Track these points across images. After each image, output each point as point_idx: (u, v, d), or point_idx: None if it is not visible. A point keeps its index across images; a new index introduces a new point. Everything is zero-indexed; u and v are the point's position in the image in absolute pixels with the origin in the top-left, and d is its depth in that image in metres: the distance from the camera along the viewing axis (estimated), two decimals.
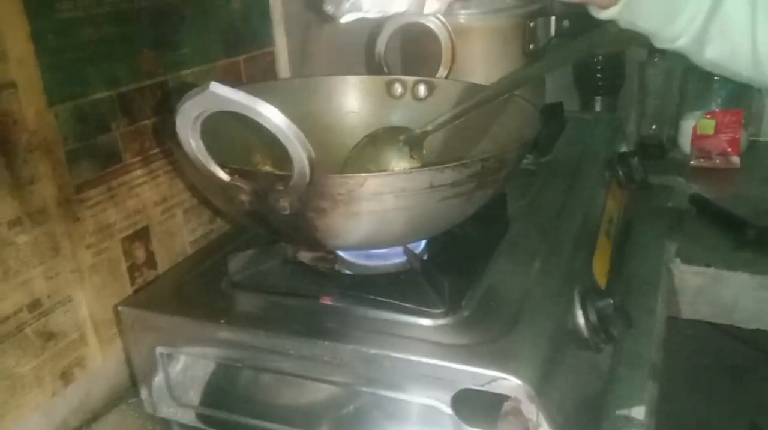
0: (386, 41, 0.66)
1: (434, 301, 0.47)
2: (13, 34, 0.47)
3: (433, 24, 0.64)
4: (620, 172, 0.77)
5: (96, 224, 0.55)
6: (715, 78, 1.06)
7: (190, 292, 0.52)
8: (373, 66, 0.68)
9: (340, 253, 0.54)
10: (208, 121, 0.39)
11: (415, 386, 0.43)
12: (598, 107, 1.15)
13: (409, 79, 0.65)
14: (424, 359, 0.43)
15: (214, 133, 0.41)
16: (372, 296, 0.48)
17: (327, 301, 0.49)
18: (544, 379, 0.41)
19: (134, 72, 0.57)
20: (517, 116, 0.57)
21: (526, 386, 0.40)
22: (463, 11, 0.75)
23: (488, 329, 0.45)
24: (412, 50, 0.78)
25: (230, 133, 0.52)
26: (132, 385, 0.58)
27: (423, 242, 0.55)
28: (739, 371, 1.04)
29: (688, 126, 1.07)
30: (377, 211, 0.43)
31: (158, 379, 0.51)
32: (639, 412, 0.54)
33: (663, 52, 1.08)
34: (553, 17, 0.76)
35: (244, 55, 0.70)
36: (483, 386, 0.41)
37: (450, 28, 0.63)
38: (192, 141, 0.39)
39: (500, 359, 0.42)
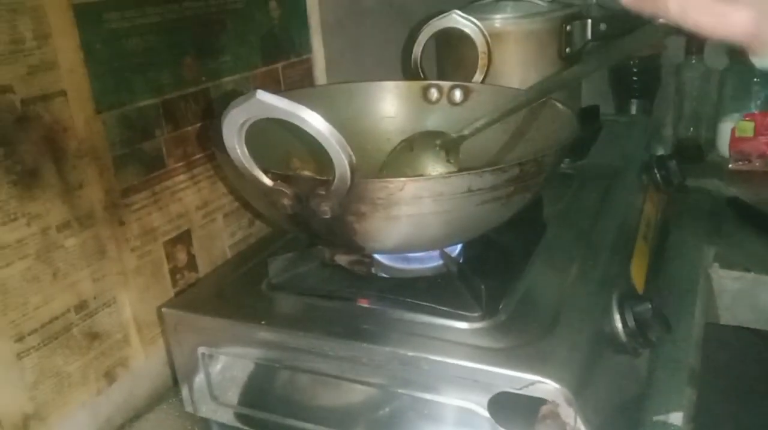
0: (422, 46, 0.67)
1: (471, 304, 0.48)
2: (64, 45, 0.48)
3: (469, 29, 0.64)
4: (657, 176, 0.76)
5: (140, 228, 0.56)
6: (755, 80, 1.04)
7: (231, 294, 0.53)
8: (409, 71, 0.68)
9: (377, 256, 0.54)
10: (249, 127, 0.40)
11: (451, 388, 0.44)
12: (633, 110, 1.14)
13: (445, 84, 0.66)
14: (461, 362, 0.43)
15: (253, 137, 0.42)
16: (409, 299, 0.49)
17: (364, 303, 0.50)
18: (582, 383, 0.41)
19: (177, 80, 0.58)
20: (555, 120, 0.57)
21: (564, 390, 0.40)
22: (498, 15, 0.75)
23: (526, 333, 0.45)
24: (448, 55, 0.79)
25: (269, 138, 0.53)
26: (173, 385, 0.60)
27: (459, 246, 0.55)
28: None
29: (726, 128, 1.05)
30: (415, 214, 0.44)
31: (199, 379, 0.53)
32: (677, 418, 0.54)
33: (700, 54, 1.07)
34: (590, 20, 0.76)
35: (283, 62, 0.71)
36: (520, 389, 0.41)
37: (486, 33, 0.64)
38: (237, 147, 0.40)
39: (538, 363, 0.42)
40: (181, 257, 0.61)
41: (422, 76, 0.68)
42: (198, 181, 0.62)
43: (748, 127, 1.02)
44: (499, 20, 0.75)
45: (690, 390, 0.57)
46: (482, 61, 0.64)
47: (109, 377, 0.55)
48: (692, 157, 1.07)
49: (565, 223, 0.61)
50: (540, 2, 0.79)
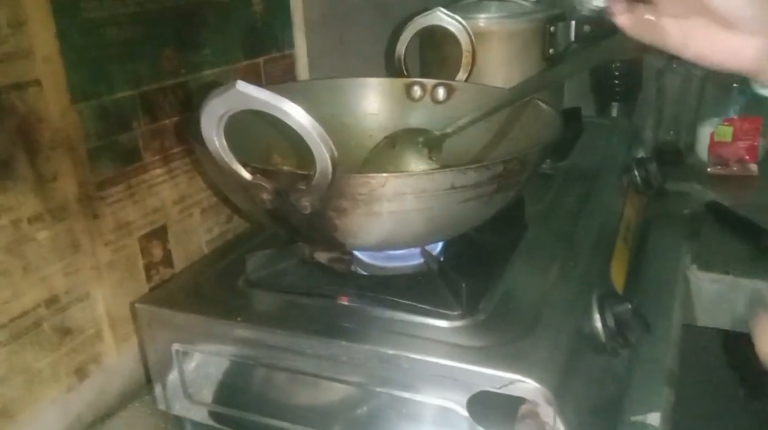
0: (406, 44, 0.66)
1: (451, 303, 0.47)
2: (40, 33, 0.47)
3: (453, 27, 0.64)
4: (638, 178, 0.76)
5: (115, 222, 0.55)
6: (734, 85, 1.05)
7: (207, 290, 0.52)
8: (392, 69, 0.68)
9: (357, 254, 0.54)
10: (229, 120, 0.39)
11: (431, 387, 0.43)
12: (615, 113, 1.15)
13: (429, 82, 0.65)
14: (441, 361, 0.42)
15: (234, 131, 0.41)
16: (389, 297, 0.48)
17: (344, 301, 0.49)
18: (561, 382, 0.41)
19: (156, 72, 0.57)
20: (538, 119, 0.57)
21: (543, 389, 0.40)
22: (483, 15, 0.75)
23: (506, 332, 0.45)
24: (432, 53, 0.78)
25: (250, 133, 0.52)
26: (146, 382, 0.59)
27: (440, 244, 0.54)
28: (755, 381, 1.03)
29: (705, 133, 1.06)
30: (397, 211, 0.43)
31: (173, 376, 0.52)
32: (654, 418, 0.54)
33: (681, 59, 1.08)
34: (573, 22, 0.76)
35: (264, 57, 0.70)
36: (500, 388, 0.41)
37: (470, 32, 0.63)
38: (216, 139, 0.39)
39: (518, 362, 0.41)
40: (157, 252, 0.60)
41: (405, 73, 0.67)
42: (175, 176, 0.61)
43: (726, 132, 1.03)
44: (483, 19, 0.75)
45: (668, 391, 0.57)
46: (466, 59, 0.64)
47: (81, 373, 0.54)
48: (672, 160, 1.08)
49: (546, 223, 0.61)
50: (524, 2, 0.79)
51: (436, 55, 0.77)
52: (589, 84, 1.17)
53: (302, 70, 0.76)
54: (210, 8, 0.62)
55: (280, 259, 0.53)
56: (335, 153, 0.38)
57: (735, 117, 1.04)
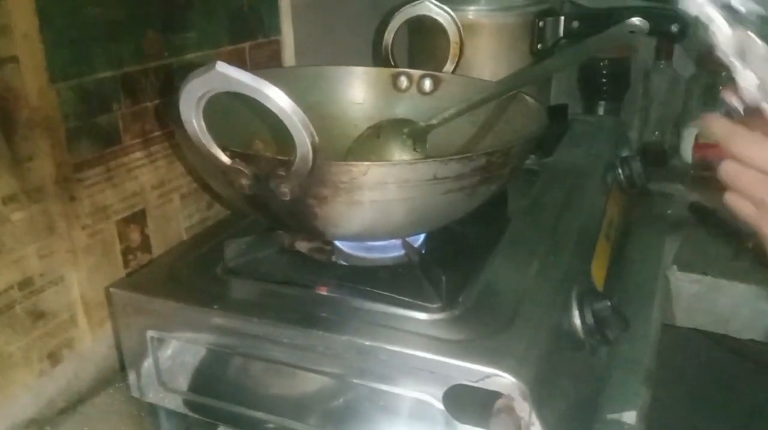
0: (394, 33, 0.66)
1: (431, 295, 0.47)
2: (19, 9, 0.46)
3: (441, 18, 0.63)
4: (621, 176, 0.76)
5: (92, 205, 0.54)
6: (720, 88, 1.06)
7: (185, 276, 0.51)
8: (379, 58, 0.67)
9: (338, 244, 0.53)
10: (211, 104, 0.39)
11: (408, 379, 0.43)
12: (601, 111, 1.15)
13: (416, 73, 0.65)
14: (418, 353, 0.42)
15: (216, 116, 0.40)
16: (368, 288, 0.48)
17: (323, 291, 0.49)
18: (538, 378, 0.41)
19: (139, 53, 0.56)
20: (524, 113, 0.56)
21: (520, 384, 0.40)
22: (472, 7, 0.74)
23: (484, 326, 0.45)
24: (420, 44, 0.78)
25: (232, 117, 0.51)
26: (120, 369, 0.58)
27: (422, 237, 0.54)
28: (732, 382, 1.04)
29: (690, 134, 1.07)
30: (379, 200, 0.43)
31: (147, 363, 0.51)
32: (630, 417, 0.54)
33: (669, 59, 1.09)
34: (563, 17, 0.76)
35: (250, 42, 0.69)
36: (476, 382, 0.40)
37: (459, 23, 0.63)
38: (195, 121, 0.38)
39: (495, 356, 0.41)
40: (135, 237, 0.59)
41: (392, 63, 0.67)
42: (155, 160, 0.60)
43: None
44: (472, 11, 0.74)
45: (645, 390, 0.58)
46: (453, 51, 0.64)
47: (54, 358, 0.53)
48: (656, 161, 1.08)
49: (529, 218, 0.61)
50: None
51: (424, 45, 0.76)
52: (576, 82, 1.17)
53: (288, 56, 0.75)
54: None
55: (259, 247, 0.52)
56: (316, 139, 0.37)
57: None
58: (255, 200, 0.44)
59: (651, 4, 0.75)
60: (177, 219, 0.63)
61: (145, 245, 0.60)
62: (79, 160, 0.52)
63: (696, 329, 0.81)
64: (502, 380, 0.40)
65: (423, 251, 0.52)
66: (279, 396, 0.49)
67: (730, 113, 0.40)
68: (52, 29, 0.48)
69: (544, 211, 0.63)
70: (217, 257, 0.52)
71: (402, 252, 0.53)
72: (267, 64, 0.72)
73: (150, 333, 0.49)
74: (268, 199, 0.43)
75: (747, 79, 0.37)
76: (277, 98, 0.35)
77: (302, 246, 0.53)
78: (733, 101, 0.39)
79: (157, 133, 0.59)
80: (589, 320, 0.50)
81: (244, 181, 0.41)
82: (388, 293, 0.47)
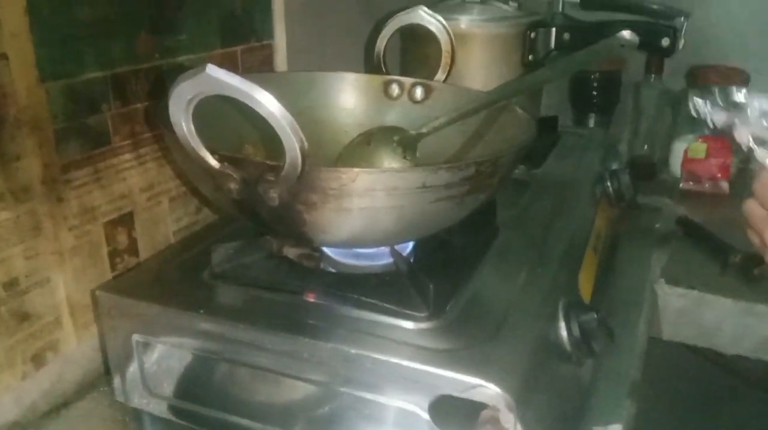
0: (386, 41, 0.66)
1: (418, 304, 0.47)
2: (9, 7, 0.46)
3: (434, 26, 0.64)
4: (610, 189, 0.77)
5: (80, 206, 0.54)
6: (708, 102, 1.07)
7: (171, 280, 0.51)
8: (371, 65, 0.67)
9: (327, 250, 0.53)
10: (202, 108, 0.38)
11: (393, 388, 0.43)
12: (591, 124, 1.16)
13: (407, 81, 0.65)
14: (405, 362, 0.42)
15: (206, 121, 0.40)
16: (356, 296, 0.48)
17: (310, 297, 0.49)
18: (524, 389, 0.41)
19: (130, 54, 0.56)
20: (513, 124, 0.57)
21: (505, 395, 0.39)
22: (465, 16, 0.75)
23: (471, 336, 0.45)
24: (412, 52, 0.78)
25: (223, 122, 0.51)
26: (105, 372, 0.57)
27: (411, 245, 0.54)
28: (717, 396, 1.04)
29: (679, 148, 1.07)
30: (368, 208, 0.43)
31: (132, 368, 0.50)
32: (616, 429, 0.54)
33: (659, 73, 1.10)
34: (554, 29, 0.76)
35: (242, 46, 0.69)
36: (462, 392, 0.40)
37: (451, 32, 0.63)
38: (184, 124, 0.38)
39: (481, 367, 0.41)
40: (122, 239, 0.58)
41: (384, 70, 0.67)
42: (144, 162, 0.59)
43: (700, 149, 1.04)
44: (465, 21, 0.75)
45: (630, 403, 0.58)
46: (445, 60, 0.64)
47: (37, 360, 0.52)
48: (645, 174, 1.08)
49: (518, 229, 0.61)
50: (506, 7, 0.79)
51: (417, 53, 0.76)
52: (567, 94, 1.18)
53: (281, 61, 0.75)
54: None
55: (247, 252, 0.52)
56: (305, 144, 0.37)
57: (709, 135, 1.05)
58: (243, 205, 0.44)
59: (642, 18, 0.75)
60: (165, 222, 0.63)
61: (133, 248, 0.60)
62: (67, 161, 0.52)
63: (683, 343, 0.81)
64: (487, 390, 0.40)
65: (411, 260, 0.52)
66: (264, 403, 0.48)
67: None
68: (42, 28, 0.48)
69: (533, 222, 0.63)
70: (205, 262, 0.52)
71: (391, 260, 0.52)
72: (259, 68, 0.72)
73: (135, 337, 0.49)
74: (256, 204, 0.43)
75: None
76: (267, 103, 0.35)
77: (290, 252, 0.53)
78: None
79: (146, 135, 0.59)
80: (576, 331, 0.50)
81: (233, 186, 0.41)
82: (375, 301, 0.47)
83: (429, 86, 0.64)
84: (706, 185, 1.05)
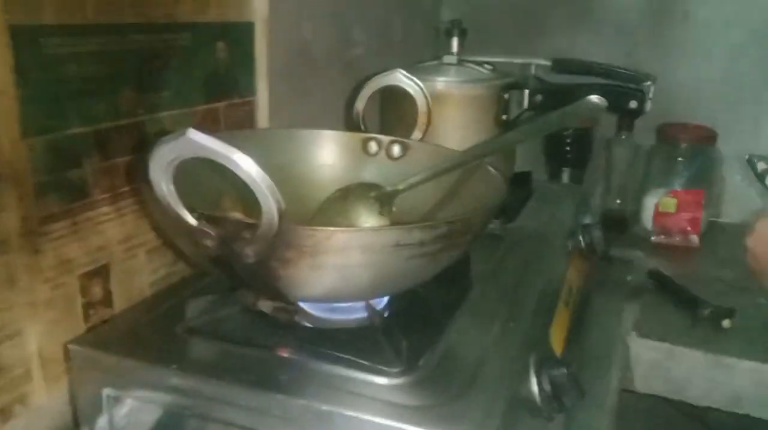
0: (365, 100, 0.68)
1: (392, 359, 0.47)
2: None
3: (411, 88, 0.66)
4: (582, 243, 0.79)
5: (56, 258, 0.54)
6: (679, 159, 1.10)
7: (144, 334, 0.51)
8: (351, 122, 0.69)
9: (302, 304, 0.53)
10: (183, 161, 0.39)
11: None
12: (565, 179, 1.19)
13: (385, 139, 0.67)
14: (377, 419, 0.42)
15: (185, 173, 0.41)
16: (329, 351, 0.48)
17: (283, 353, 0.49)
18: None
19: (113, 110, 0.57)
20: (485, 182, 0.58)
21: None
22: (441, 78, 0.77)
23: (443, 392, 0.45)
24: (391, 111, 0.80)
25: (200, 174, 0.52)
26: (75, 427, 0.56)
27: (385, 299, 0.55)
28: None
29: (650, 203, 1.10)
30: (342, 265, 0.44)
31: (102, 422, 0.50)
32: None
33: (630, 131, 1.13)
34: (527, 91, 0.79)
35: (225, 102, 0.71)
36: None
37: (427, 94, 0.66)
38: (164, 184, 0.39)
39: (452, 424, 0.42)
40: (97, 291, 0.58)
41: (363, 128, 0.69)
42: (123, 214, 0.60)
43: (670, 204, 1.08)
44: (441, 82, 0.77)
45: None
46: (422, 119, 0.66)
47: (5, 414, 0.52)
48: (617, 227, 1.11)
49: (491, 283, 0.63)
50: (481, 69, 0.82)
51: (395, 112, 0.79)
52: (542, 149, 1.21)
53: (262, 117, 0.77)
54: (173, 52, 0.63)
55: (222, 306, 0.52)
56: (282, 205, 0.38)
57: (679, 189, 1.09)
58: (219, 261, 0.44)
59: (611, 82, 0.79)
60: (142, 274, 0.63)
61: (107, 300, 0.59)
62: (45, 214, 0.52)
63: (654, 395, 0.82)
64: None
65: (386, 314, 0.53)
66: None
67: None
68: (28, 85, 0.49)
69: (506, 276, 0.65)
70: (179, 315, 0.52)
71: (365, 314, 0.53)
72: (241, 123, 0.73)
73: (106, 391, 0.49)
74: (232, 261, 0.43)
75: None
76: (245, 165, 0.37)
77: (266, 306, 0.53)
78: None
79: (126, 189, 0.60)
80: (546, 386, 0.50)
81: (209, 243, 0.42)
82: (348, 357, 0.47)
83: (406, 144, 0.66)
84: (677, 239, 1.07)
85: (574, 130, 1.16)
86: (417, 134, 0.67)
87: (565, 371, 0.51)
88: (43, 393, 0.54)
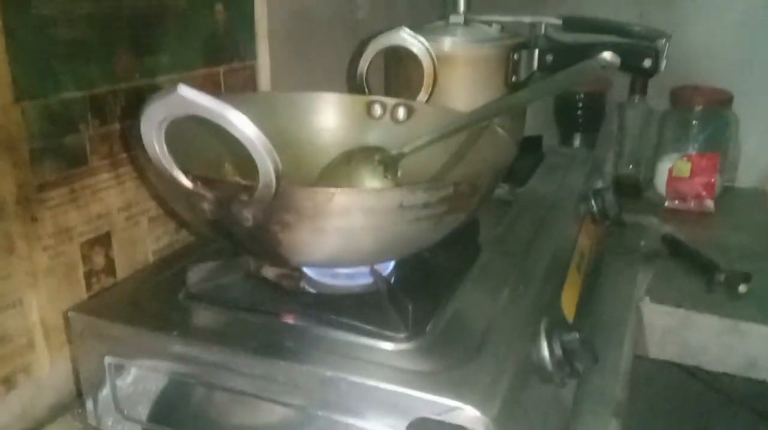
0: (369, 61, 0.66)
1: (397, 325, 0.46)
2: None
3: (416, 48, 0.64)
4: (595, 208, 0.77)
5: (55, 226, 0.53)
6: (694, 122, 1.08)
7: (146, 301, 0.50)
8: (354, 85, 0.67)
9: (306, 271, 0.52)
10: (179, 127, 0.38)
11: (371, 411, 0.42)
12: (577, 143, 1.16)
13: (390, 101, 0.65)
14: (382, 385, 0.41)
15: (183, 140, 0.40)
16: (334, 316, 0.47)
17: (287, 319, 0.48)
18: (504, 411, 0.40)
19: (109, 74, 0.56)
20: (494, 145, 0.57)
21: (484, 418, 0.39)
22: (447, 38, 0.75)
23: (450, 357, 0.44)
24: (395, 72, 0.78)
25: (202, 141, 0.51)
26: (79, 395, 0.56)
27: (391, 264, 0.54)
28: (704, 415, 1.03)
29: (664, 167, 1.08)
30: (344, 228, 0.42)
31: (105, 391, 0.49)
32: None
33: (643, 94, 1.10)
34: (537, 51, 0.77)
35: (225, 66, 0.69)
36: (440, 415, 0.40)
37: (433, 54, 0.63)
38: (156, 144, 0.37)
39: (459, 389, 0.40)
40: (99, 260, 0.57)
41: (367, 91, 0.67)
42: (123, 182, 0.59)
43: (685, 168, 1.05)
44: (448, 43, 0.75)
45: (615, 422, 0.57)
46: (427, 81, 0.64)
47: (8, 383, 0.51)
48: (630, 193, 1.09)
49: (500, 248, 0.61)
50: (489, 29, 0.79)
51: (400, 74, 0.76)
52: (553, 114, 1.19)
53: (264, 81, 0.75)
54: (169, 13, 0.61)
55: (224, 272, 0.51)
56: (279, 165, 0.37)
57: (693, 154, 1.06)
58: (218, 225, 0.43)
59: (624, 40, 0.76)
60: (144, 242, 0.62)
61: (110, 268, 0.59)
62: (42, 181, 0.51)
63: (669, 361, 0.80)
64: (465, 413, 0.39)
65: (391, 279, 0.52)
66: (240, 427, 0.47)
67: None
68: (18, 48, 0.48)
69: (516, 241, 0.63)
70: (182, 282, 0.51)
71: (371, 280, 0.52)
72: (242, 88, 0.72)
73: (108, 359, 0.48)
74: (230, 225, 0.42)
75: None
76: (239, 123, 0.35)
77: (269, 272, 0.52)
78: None
79: (125, 155, 0.58)
80: (558, 352, 0.49)
81: (206, 206, 0.41)
82: (353, 322, 0.46)
83: (411, 107, 0.64)
84: (691, 203, 1.05)
85: (585, 94, 1.13)
86: (422, 96, 0.65)
87: (577, 336, 0.50)
88: (47, 363, 0.54)
